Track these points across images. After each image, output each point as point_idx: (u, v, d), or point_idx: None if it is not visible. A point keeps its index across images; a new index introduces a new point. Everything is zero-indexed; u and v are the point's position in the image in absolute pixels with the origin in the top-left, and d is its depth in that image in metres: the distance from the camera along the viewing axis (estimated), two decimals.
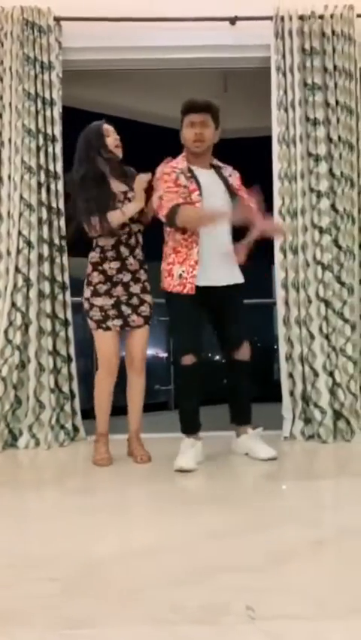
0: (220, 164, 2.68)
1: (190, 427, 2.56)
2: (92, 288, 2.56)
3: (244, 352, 2.60)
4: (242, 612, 1.14)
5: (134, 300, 2.58)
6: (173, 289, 2.52)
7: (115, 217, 2.51)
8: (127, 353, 2.65)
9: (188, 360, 2.47)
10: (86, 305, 2.59)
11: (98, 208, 2.50)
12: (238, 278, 2.60)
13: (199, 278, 2.48)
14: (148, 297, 2.63)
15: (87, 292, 2.58)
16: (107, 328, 2.54)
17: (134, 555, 1.50)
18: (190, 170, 2.55)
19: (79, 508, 1.95)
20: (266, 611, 1.15)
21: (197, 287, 2.48)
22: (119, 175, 2.63)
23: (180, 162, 2.58)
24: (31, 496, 2.20)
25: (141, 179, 2.54)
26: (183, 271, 2.48)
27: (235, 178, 2.66)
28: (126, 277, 2.56)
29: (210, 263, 2.49)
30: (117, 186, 2.61)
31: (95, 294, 2.55)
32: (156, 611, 1.18)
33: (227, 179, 2.61)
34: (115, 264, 2.56)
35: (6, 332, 3.05)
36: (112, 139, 2.60)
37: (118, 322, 2.55)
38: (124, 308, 2.56)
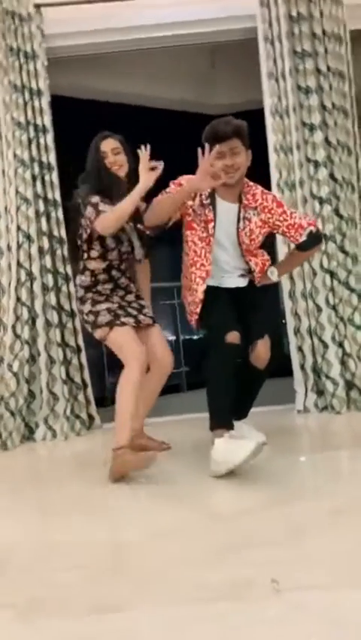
0: (254, 197, 2.30)
1: (229, 418, 2.09)
2: (89, 301, 2.35)
3: (259, 355, 2.23)
4: (266, 585, 1.16)
5: (135, 305, 2.43)
6: (198, 298, 2.30)
7: (118, 211, 2.22)
8: (151, 354, 2.36)
9: (233, 337, 2.09)
10: (90, 318, 2.31)
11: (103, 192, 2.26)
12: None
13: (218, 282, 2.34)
14: (145, 302, 2.48)
15: (86, 307, 2.34)
16: (123, 324, 2.28)
17: (156, 538, 1.52)
18: (212, 197, 2.26)
19: (98, 496, 1.97)
20: (288, 583, 1.17)
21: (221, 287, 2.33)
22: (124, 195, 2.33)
23: None
24: (53, 487, 2.22)
25: (144, 155, 2.22)
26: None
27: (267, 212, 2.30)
28: (120, 292, 2.42)
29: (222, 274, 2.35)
30: None
31: (96, 302, 2.34)
32: (181, 590, 1.20)
33: (245, 221, 2.28)
34: (108, 285, 2.39)
35: (14, 327, 3.07)
36: (111, 160, 2.38)
37: (130, 320, 2.32)
38: (129, 309, 2.38)
